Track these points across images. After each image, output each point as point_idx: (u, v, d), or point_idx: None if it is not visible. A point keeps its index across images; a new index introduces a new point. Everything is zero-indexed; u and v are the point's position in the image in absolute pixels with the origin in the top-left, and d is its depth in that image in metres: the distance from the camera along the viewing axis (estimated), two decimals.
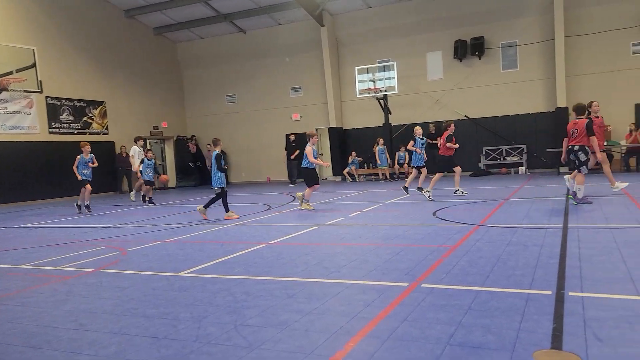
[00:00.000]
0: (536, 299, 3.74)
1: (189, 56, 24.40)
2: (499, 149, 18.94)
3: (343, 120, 21.70)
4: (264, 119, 23.01)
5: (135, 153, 15.30)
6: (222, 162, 9.90)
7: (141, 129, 21.54)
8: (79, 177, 12.46)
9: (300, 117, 22.30)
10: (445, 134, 11.49)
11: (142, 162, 14.27)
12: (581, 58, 17.65)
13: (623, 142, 16.12)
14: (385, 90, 18.84)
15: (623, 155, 16.27)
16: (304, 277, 4.88)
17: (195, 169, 23.42)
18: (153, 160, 14.41)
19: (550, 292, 3.88)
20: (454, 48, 19.12)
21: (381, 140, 18.97)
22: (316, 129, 22.03)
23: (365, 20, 20.78)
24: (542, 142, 18.14)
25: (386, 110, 19.29)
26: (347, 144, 21.31)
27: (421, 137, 12.26)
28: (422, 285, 4.31)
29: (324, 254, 5.95)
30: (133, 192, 15.55)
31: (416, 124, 19.96)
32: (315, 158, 10.70)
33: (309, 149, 10.68)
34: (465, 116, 19.40)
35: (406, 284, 4.35)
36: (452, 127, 11.73)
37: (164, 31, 22.93)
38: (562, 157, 9.66)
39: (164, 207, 13.59)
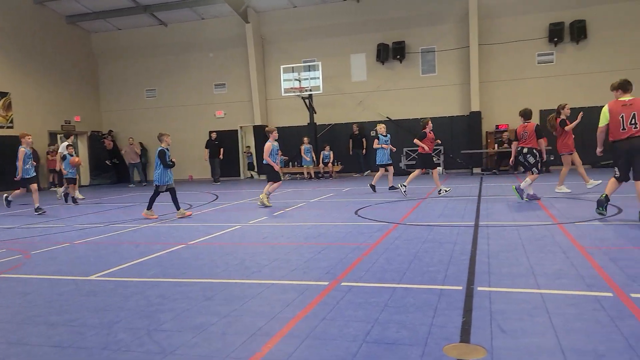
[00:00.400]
0: (448, 295, 3.91)
1: (105, 48, 23.12)
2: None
3: (268, 119, 21.56)
4: (187, 115, 22.34)
5: (65, 150, 14.17)
6: (168, 158, 9.53)
7: (51, 123, 20.13)
8: (20, 175, 11.02)
9: (225, 114, 21.89)
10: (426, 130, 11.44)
11: (64, 158, 13.34)
12: (493, 65, 18.77)
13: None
14: (310, 90, 18.97)
15: None
16: (223, 278, 4.77)
17: (112, 167, 22.26)
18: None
19: (461, 288, 4.07)
20: (377, 51, 19.62)
21: (306, 140, 19.07)
22: (240, 127, 21.78)
23: (290, 19, 20.78)
24: (457, 144, 19.08)
25: (311, 110, 19.42)
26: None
27: (384, 134, 12.50)
28: (342, 283, 4.36)
29: (246, 253, 5.86)
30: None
31: (340, 124, 20.43)
32: (275, 154, 10.63)
33: (267, 145, 10.63)
34: (387, 117, 19.97)
35: (326, 283, 4.38)
36: (430, 124, 11.68)
37: (77, 20, 21.55)
38: (511, 159, 9.77)
39: (76, 206, 12.76)
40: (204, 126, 21.64)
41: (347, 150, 19.71)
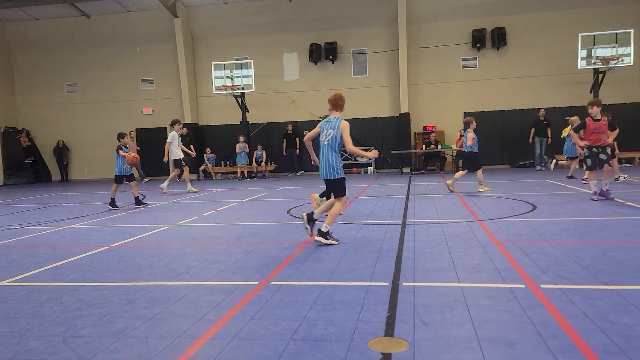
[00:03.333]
0: (375, 290, 4.00)
1: (21, 38, 21.63)
2: None
3: (199, 117, 21.09)
4: (112, 112, 21.36)
5: (175, 139, 13.35)
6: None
7: None
8: None
9: (153, 111, 21.16)
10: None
11: None
12: (421, 69, 19.48)
13: (454, 146, 18.15)
14: (243, 88, 18.76)
15: (454, 157, 18.32)
16: (148, 280, 4.60)
17: (28, 165, 20.84)
18: None
19: (387, 283, 4.18)
20: (309, 51, 19.76)
21: (242, 138, 18.84)
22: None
23: (221, 15, 20.44)
24: (388, 145, 19.62)
25: (243, 108, 19.22)
26: (203, 141, 20.74)
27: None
28: (272, 283, 4.34)
29: (173, 255, 5.69)
30: (189, 185, 13.69)
31: (273, 123, 20.36)
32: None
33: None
34: (320, 117, 20.14)
35: (256, 283, 4.35)
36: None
37: None
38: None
39: None
40: (130, 123, 20.79)
41: (280, 150, 19.68)
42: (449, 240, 5.88)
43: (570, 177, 12.97)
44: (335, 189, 6.19)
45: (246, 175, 19.01)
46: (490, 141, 18.97)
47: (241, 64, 18.92)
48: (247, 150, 18.92)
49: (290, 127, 19.59)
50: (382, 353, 2.80)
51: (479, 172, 10.78)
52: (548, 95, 18.56)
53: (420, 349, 2.84)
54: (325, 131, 6.19)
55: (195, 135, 20.34)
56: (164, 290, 4.26)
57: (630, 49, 16.38)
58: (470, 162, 10.97)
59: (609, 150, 8.66)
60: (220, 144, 20.02)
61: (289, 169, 19.95)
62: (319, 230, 5.92)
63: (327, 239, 5.87)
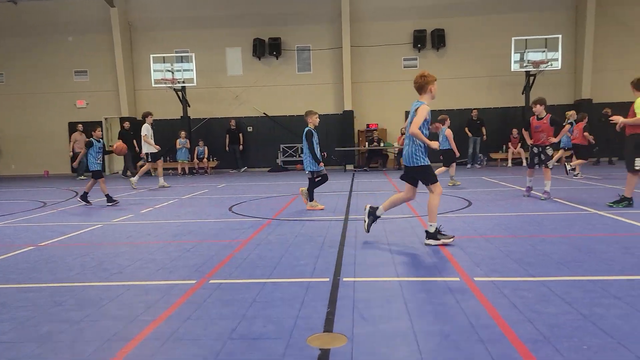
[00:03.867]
0: (315, 287, 4.00)
1: None
2: (295, 146, 20.00)
3: (137, 110, 20.33)
4: (42, 104, 20.21)
5: (149, 131, 13.33)
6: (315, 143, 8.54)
7: None
8: None
9: (87, 104, 20.19)
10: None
11: None
12: (365, 67, 19.73)
13: (396, 144, 18.55)
14: (184, 82, 18.29)
15: (396, 155, 18.71)
16: (78, 281, 4.36)
17: None
18: None
19: (328, 279, 4.19)
20: (253, 46, 19.54)
21: (183, 133, 18.35)
22: (105, 118, 20.24)
23: (161, 6, 19.81)
24: (331, 142, 19.75)
25: (184, 103, 18.73)
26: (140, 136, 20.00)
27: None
28: (210, 281, 4.24)
29: (106, 254, 5.44)
30: (135, 178, 13.21)
31: (216, 119, 19.98)
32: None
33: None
34: (264, 113, 20.00)
35: (194, 282, 4.23)
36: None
37: None
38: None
39: None
40: (62, 117, 19.77)
41: (223, 146, 19.36)
42: (389, 236, 5.98)
43: (573, 170, 12.36)
44: (418, 177, 5.55)
45: (187, 171, 18.55)
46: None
47: (182, 57, 18.42)
48: (189, 146, 18.46)
49: (233, 123, 19.31)
50: (320, 349, 2.80)
51: (452, 167, 11.47)
52: (484, 95, 19.34)
53: (358, 343, 2.86)
54: (410, 117, 5.61)
55: (134, 130, 19.58)
56: (95, 291, 4.05)
57: (559, 54, 17.35)
58: (448, 158, 11.38)
59: (549, 151, 8.63)
60: (160, 139, 19.36)
61: (232, 165, 19.66)
62: (426, 232, 5.36)
63: (438, 239, 5.28)
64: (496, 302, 3.45)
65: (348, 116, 19.43)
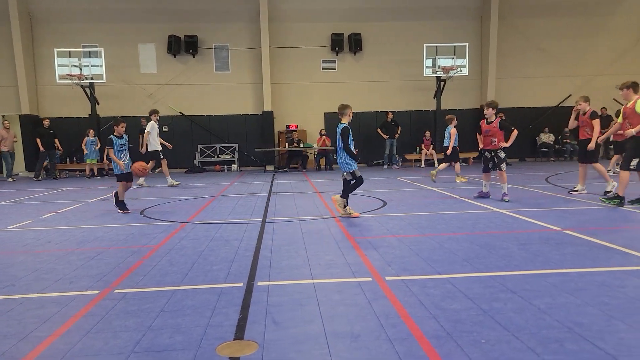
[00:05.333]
0: (228, 292, 3.91)
1: None
2: (213, 146, 19.56)
3: (39, 107, 18.88)
4: None
5: (154, 130, 12.76)
6: (351, 143, 7.89)
7: None
8: None
9: None
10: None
11: None
12: (284, 68, 19.71)
13: (316, 145, 18.73)
14: (92, 78, 17.25)
15: (315, 156, 18.89)
16: None
17: None
18: None
19: (242, 284, 4.11)
20: (168, 43, 18.85)
21: (92, 132, 17.27)
22: (3, 116, 18.59)
23: None
24: (251, 142, 19.55)
25: (93, 100, 17.66)
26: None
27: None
28: (115, 291, 4.01)
29: None
30: (168, 179, 13.05)
31: (128, 117, 19.01)
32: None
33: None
34: (180, 112, 19.37)
35: (96, 292, 3.97)
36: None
37: None
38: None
39: None
40: None
41: (137, 146, 18.44)
42: (305, 237, 6.00)
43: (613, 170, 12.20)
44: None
45: (96, 172, 17.50)
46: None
47: (90, 52, 17.35)
48: (98, 145, 17.43)
49: (144, 122, 18.47)
50: (229, 358, 2.73)
51: (457, 165, 12.36)
52: (398, 99, 20.05)
53: (269, 349, 2.82)
54: None
55: (34, 129, 18.18)
56: None
57: (466, 61, 18.40)
58: (453, 155, 12.17)
59: (501, 154, 8.57)
60: (66, 139, 18.13)
61: None
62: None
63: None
64: (405, 301, 3.56)
65: (268, 117, 19.32)
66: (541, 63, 20.03)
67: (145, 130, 12.91)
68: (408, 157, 19.35)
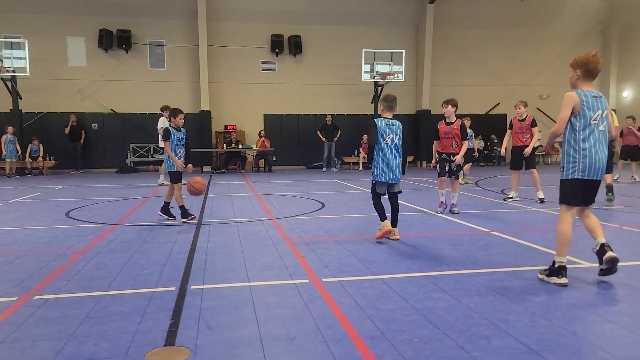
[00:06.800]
0: (160, 297, 3.76)
1: None
2: (147, 146, 18.89)
3: None
4: None
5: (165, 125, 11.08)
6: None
7: None
8: None
9: None
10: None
11: None
12: (223, 67, 19.39)
13: (254, 146, 18.55)
14: (14, 71, 16.16)
15: (254, 157, 18.71)
16: None
17: None
18: None
19: (174, 288, 3.96)
20: (99, 37, 18.04)
21: (10, 129, 16.16)
22: None
23: None
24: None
25: (15, 94, 16.54)
26: None
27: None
28: (35, 297, 3.74)
29: None
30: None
31: (54, 114, 18.00)
32: None
33: None
34: (111, 110, 18.55)
35: (14, 299, 3.70)
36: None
37: None
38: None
39: None
40: None
41: (62, 143, 17.49)
42: (242, 239, 5.91)
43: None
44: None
45: (15, 171, 16.39)
46: (288, 143, 19.93)
47: (12, 42, 16.25)
48: (18, 143, 16.33)
49: (74, 118, 17.57)
50: None
51: (467, 166, 12.58)
52: (337, 102, 20.28)
53: (201, 354, 2.73)
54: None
55: None
56: None
57: (402, 68, 18.92)
58: (466, 155, 11.30)
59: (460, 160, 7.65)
60: None
61: (73, 165, 17.86)
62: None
63: None
64: (341, 302, 3.57)
65: (205, 116, 18.92)
66: (472, 72, 20.99)
67: (158, 127, 12.46)
68: (347, 159, 19.61)
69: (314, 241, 5.75)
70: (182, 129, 7.32)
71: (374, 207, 5.80)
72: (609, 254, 3.88)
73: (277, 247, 5.44)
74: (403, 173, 5.88)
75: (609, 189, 8.90)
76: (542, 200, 8.73)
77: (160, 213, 7.33)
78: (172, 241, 5.82)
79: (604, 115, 3.92)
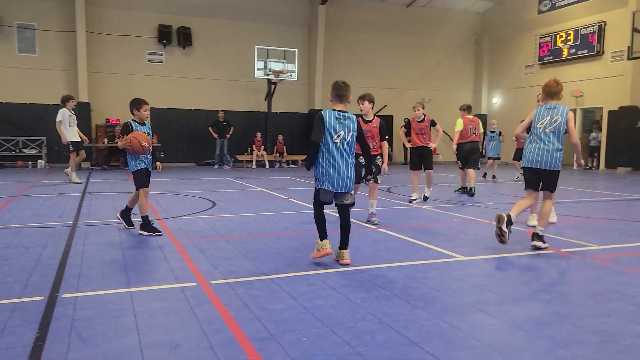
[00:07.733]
0: (25, 308, 3.37)
1: None
2: (15, 139, 17.04)
3: None
4: None
5: (65, 117, 11.41)
6: None
7: None
8: None
9: None
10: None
11: None
12: (105, 56, 18.07)
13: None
14: None
15: None
16: None
17: None
18: None
19: (42, 298, 3.59)
20: None
21: None
22: None
23: None
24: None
25: None
26: None
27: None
28: None
29: None
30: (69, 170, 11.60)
31: None
32: None
33: None
34: None
35: None
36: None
37: None
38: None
39: None
40: None
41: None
42: (124, 242, 5.54)
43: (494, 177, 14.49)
44: (552, 182, 5.43)
45: None
46: (177, 139, 19.13)
47: None
48: None
49: None
50: None
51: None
52: (230, 98, 19.90)
53: None
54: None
55: None
56: None
57: (295, 66, 19.08)
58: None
59: (379, 161, 6.78)
60: None
61: None
62: (536, 234, 5.29)
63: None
64: (230, 304, 3.48)
65: (84, 108, 17.46)
66: (363, 74, 21.75)
67: (57, 120, 11.35)
68: (239, 157, 19.32)
69: (203, 242, 5.56)
70: (147, 123, 6.25)
71: (314, 220, 4.73)
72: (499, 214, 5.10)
73: (162, 250, 5.17)
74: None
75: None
76: (425, 199, 9.26)
77: (119, 216, 6.37)
78: (41, 245, 5.28)
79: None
